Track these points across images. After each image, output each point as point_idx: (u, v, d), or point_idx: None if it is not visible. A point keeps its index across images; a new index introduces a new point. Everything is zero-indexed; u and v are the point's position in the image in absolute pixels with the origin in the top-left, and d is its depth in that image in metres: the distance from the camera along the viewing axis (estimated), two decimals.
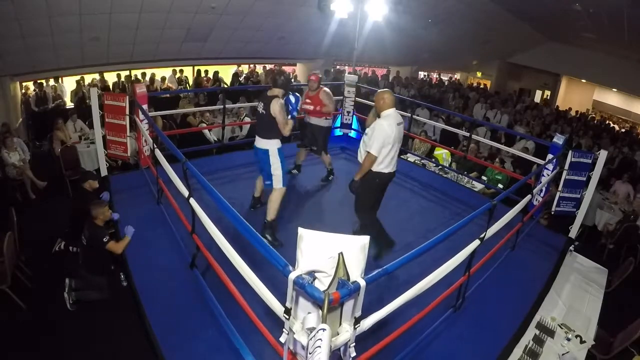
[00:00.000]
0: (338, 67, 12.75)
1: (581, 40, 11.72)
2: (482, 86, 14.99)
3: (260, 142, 3.29)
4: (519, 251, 3.57)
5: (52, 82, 8.23)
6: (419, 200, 4.59)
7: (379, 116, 3.01)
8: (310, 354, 1.30)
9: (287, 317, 1.58)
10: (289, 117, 3.24)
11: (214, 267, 2.48)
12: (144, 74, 8.99)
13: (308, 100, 4.31)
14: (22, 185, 5.39)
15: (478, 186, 5.55)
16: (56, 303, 3.43)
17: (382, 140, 2.86)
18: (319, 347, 1.27)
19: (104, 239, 3.11)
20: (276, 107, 3.11)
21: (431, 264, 2.20)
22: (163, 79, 9.27)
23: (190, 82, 10.02)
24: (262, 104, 3.21)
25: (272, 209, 3.30)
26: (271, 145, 3.25)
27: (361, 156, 3.03)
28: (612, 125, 13.07)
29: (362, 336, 1.73)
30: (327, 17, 8.20)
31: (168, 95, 8.78)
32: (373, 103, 3.09)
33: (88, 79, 8.66)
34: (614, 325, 3.21)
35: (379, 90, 3.10)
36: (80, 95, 8.03)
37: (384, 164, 2.99)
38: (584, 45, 12.10)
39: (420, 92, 11.92)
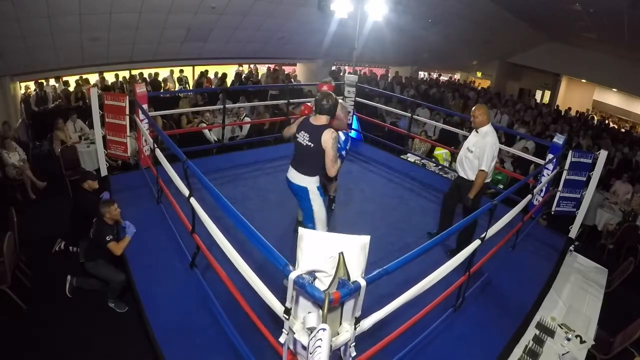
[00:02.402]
0: (339, 66, 12.76)
1: (581, 40, 11.73)
2: (479, 87, 15.00)
3: (297, 177, 2.83)
4: (519, 251, 3.57)
5: (52, 82, 8.24)
6: (419, 200, 4.59)
7: (476, 131, 3.22)
8: (310, 353, 1.30)
9: (287, 317, 1.57)
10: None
11: (214, 267, 2.48)
12: (141, 74, 9.00)
13: None
14: (22, 185, 5.39)
15: None
16: (56, 303, 3.44)
17: (492, 156, 3.14)
18: (319, 347, 1.28)
19: (107, 238, 3.12)
20: (329, 140, 2.64)
21: (431, 264, 2.20)
22: (164, 80, 9.30)
23: (191, 82, 10.04)
24: (307, 135, 2.73)
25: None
26: (311, 184, 2.82)
27: (466, 172, 3.28)
28: (612, 125, 13.08)
29: (362, 336, 1.73)
30: (327, 17, 8.22)
31: (168, 95, 8.79)
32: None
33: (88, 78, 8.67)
34: (614, 325, 3.21)
35: (476, 106, 3.26)
36: (79, 95, 8.05)
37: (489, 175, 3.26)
38: (584, 45, 12.10)
39: (418, 91, 11.92)
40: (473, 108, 3.29)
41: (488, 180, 3.30)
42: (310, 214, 2.87)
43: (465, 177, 3.28)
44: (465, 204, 3.30)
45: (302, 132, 2.78)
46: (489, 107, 10.78)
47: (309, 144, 2.73)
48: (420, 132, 7.22)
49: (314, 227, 2.87)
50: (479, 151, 3.13)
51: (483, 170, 3.10)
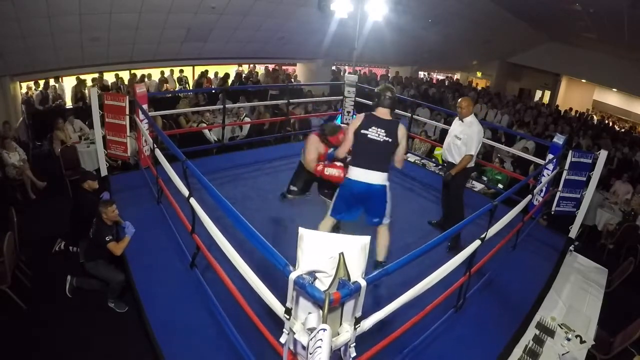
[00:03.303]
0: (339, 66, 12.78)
1: (581, 40, 11.73)
2: (477, 86, 15.00)
3: (376, 177, 2.67)
4: (519, 251, 3.56)
5: (52, 82, 8.24)
6: (419, 200, 4.59)
7: (462, 120, 3.47)
8: (310, 354, 1.30)
9: (288, 317, 1.57)
10: None
11: (214, 267, 2.48)
12: (142, 75, 8.99)
13: None
14: (22, 185, 5.38)
15: (478, 186, 5.55)
16: (56, 303, 3.44)
17: (479, 142, 3.42)
18: (320, 347, 1.27)
19: (106, 238, 3.12)
20: (406, 133, 2.64)
21: (432, 265, 2.20)
22: (165, 80, 9.30)
23: (191, 82, 10.03)
24: (383, 130, 2.63)
25: (386, 248, 2.90)
26: (387, 181, 2.74)
27: (454, 158, 3.49)
28: (611, 125, 13.08)
29: (362, 336, 1.73)
30: (327, 17, 8.21)
31: (168, 95, 8.79)
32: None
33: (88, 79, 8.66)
34: (614, 325, 3.21)
35: (462, 98, 3.56)
36: (79, 96, 8.05)
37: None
38: (584, 45, 12.10)
39: (418, 91, 11.92)
40: (459, 100, 3.55)
41: (472, 164, 3.52)
42: (382, 209, 2.77)
43: (453, 162, 3.51)
44: (445, 180, 3.53)
45: (374, 128, 2.64)
46: (489, 106, 10.82)
47: (387, 139, 2.64)
48: (420, 132, 7.22)
49: (381, 222, 2.81)
50: (467, 138, 3.38)
51: (470, 155, 3.38)
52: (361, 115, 2.72)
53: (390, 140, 2.64)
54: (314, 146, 3.10)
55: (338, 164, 3.02)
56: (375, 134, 2.65)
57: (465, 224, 2.37)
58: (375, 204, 2.76)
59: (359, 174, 2.69)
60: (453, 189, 3.53)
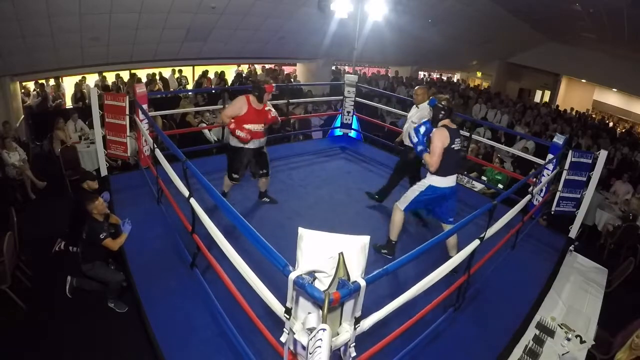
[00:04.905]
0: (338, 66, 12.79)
1: (581, 40, 11.72)
2: (477, 87, 14.99)
3: (455, 179, 3.04)
4: (519, 251, 3.56)
5: (52, 82, 8.24)
6: None
7: (417, 107, 3.85)
8: (310, 354, 1.30)
9: (288, 317, 1.57)
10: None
11: (214, 267, 2.48)
12: (153, 75, 8.99)
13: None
14: (22, 185, 5.39)
15: (478, 186, 5.55)
16: (56, 303, 3.44)
17: None
18: (319, 347, 1.27)
19: (101, 235, 3.11)
20: None
21: (431, 264, 2.20)
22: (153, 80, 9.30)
23: (190, 82, 10.03)
24: (458, 139, 2.95)
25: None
26: None
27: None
28: (611, 125, 13.07)
29: (362, 336, 1.73)
30: (327, 17, 8.21)
31: (169, 95, 8.78)
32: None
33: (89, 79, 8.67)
34: (614, 325, 3.21)
35: (418, 87, 3.97)
36: (78, 95, 8.06)
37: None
38: (584, 45, 12.10)
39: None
40: (415, 87, 3.98)
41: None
42: (454, 205, 3.16)
43: (409, 144, 3.73)
44: (405, 159, 3.94)
45: (456, 139, 2.92)
46: (489, 106, 10.83)
47: (461, 147, 3.00)
48: None
49: (454, 222, 3.08)
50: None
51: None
52: (444, 131, 2.87)
53: (464, 148, 3.03)
54: (238, 104, 3.42)
55: (250, 127, 3.42)
56: (458, 144, 2.95)
57: (465, 223, 2.37)
58: (451, 203, 3.12)
59: (448, 182, 2.98)
60: (406, 164, 3.94)
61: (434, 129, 2.92)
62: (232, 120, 3.41)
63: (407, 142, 3.86)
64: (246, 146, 3.54)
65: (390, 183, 4.15)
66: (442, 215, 3.16)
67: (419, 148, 2.96)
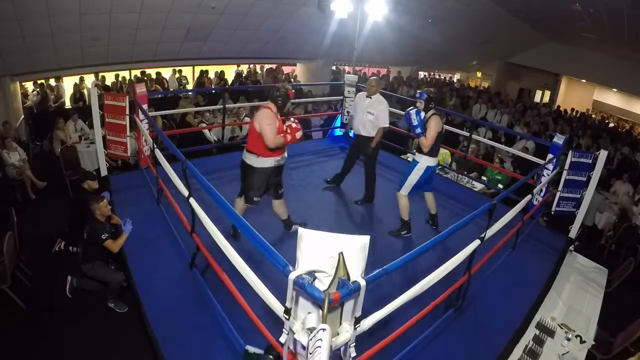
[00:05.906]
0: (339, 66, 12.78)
1: (581, 40, 11.72)
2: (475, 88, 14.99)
3: (438, 159, 3.65)
4: (519, 251, 3.56)
5: (52, 82, 8.24)
6: (419, 200, 4.58)
7: (370, 97, 4.01)
8: (310, 354, 1.30)
9: (287, 317, 1.57)
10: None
11: (213, 267, 2.48)
12: (142, 73, 8.99)
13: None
14: (22, 185, 5.39)
15: (478, 186, 5.54)
16: (56, 303, 3.44)
17: (388, 116, 4.04)
18: (319, 347, 1.27)
19: (102, 236, 3.11)
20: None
21: (431, 264, 2.20)
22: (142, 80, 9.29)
23: (190, 82, 10.03)
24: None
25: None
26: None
27: (368, 132, 4.03)
28: (611, 125, 13.07)
29: (362, 336, 1.73)
30: (327, 17, 8.20)
31: (168, 94, 8.79)
32: None
33: (87, 79, 8.67)
34: (614, 325, 3.21)
35: (371, 78, 4.10)
36: (77, 95, 8.06)
37: None
38: (584, 45, 12.10)
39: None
40: (370, 79, 4.10)
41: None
42: (432, 179, 3.73)
43: (367, 135, 4.05)
44: (367, 153, 4.09)
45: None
46: (489, 106, 10.83)
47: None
48: None
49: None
50: (379, 114, 3.97)
51: (384, 127, 4.00)
52: (438, 118, 3.37)
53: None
54: (269, 119, 2.96)
55: (292, 124, 3.06)
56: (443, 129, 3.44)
57: (464, 223, 2.37)
58: (432, 176, 3.64)
59: (435, 161, 3.51)
60: (372, 158, 4.10)
61: (431, 117, 3.36)
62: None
63: (363, 132, 4.07)
64: (275, 165, 3.13)
65: (344, 169, 4.43)
66: (425, 188, 3.69)
67: (418, 131, 3.36)
